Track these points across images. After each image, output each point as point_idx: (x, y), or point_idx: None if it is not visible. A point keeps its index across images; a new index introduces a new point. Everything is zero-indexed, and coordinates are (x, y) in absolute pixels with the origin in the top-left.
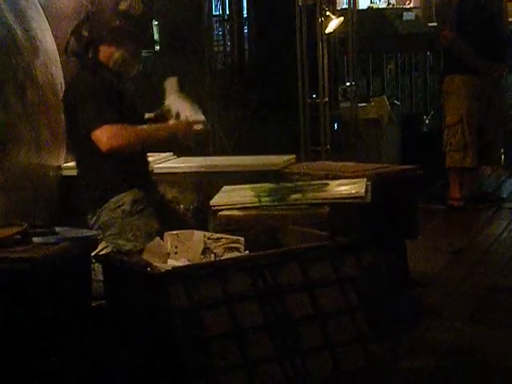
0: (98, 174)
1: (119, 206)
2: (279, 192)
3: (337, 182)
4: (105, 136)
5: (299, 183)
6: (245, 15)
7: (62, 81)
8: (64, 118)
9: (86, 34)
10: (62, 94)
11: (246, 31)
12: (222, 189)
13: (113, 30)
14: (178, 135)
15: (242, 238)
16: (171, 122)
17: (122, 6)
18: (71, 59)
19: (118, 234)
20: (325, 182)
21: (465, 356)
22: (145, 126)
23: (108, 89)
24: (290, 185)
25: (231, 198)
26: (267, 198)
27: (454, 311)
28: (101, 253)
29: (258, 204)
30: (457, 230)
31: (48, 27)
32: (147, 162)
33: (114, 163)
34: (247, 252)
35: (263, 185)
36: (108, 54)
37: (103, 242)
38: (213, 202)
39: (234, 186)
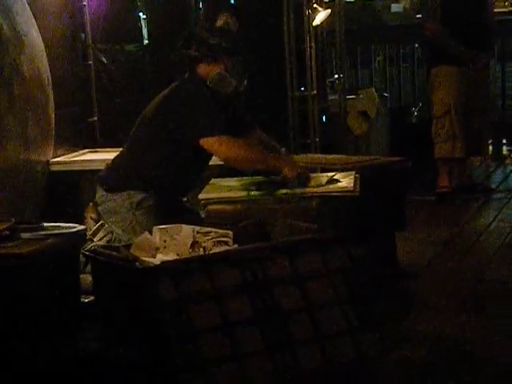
0: (147, 166)
1: (130, 198)
2: (267, 185)
3: (325, 174)
4: (223, 145)
5: None
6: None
7: (49, 75)
8: (152, 122)
9: (188, 51)
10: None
11: None
12: (211, 181)
13: (212, 47)
14: (282, 171)
15: (230, 232)
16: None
17: (219, 23)
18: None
19: (118, 223)
20: (314, 174)
21: (454, 346)
22: (259, 148)
23: (210, 101)
24: (278, 178)
25: (220, 191)
26: (256, 192)
27: (443, 302)
28: (102, 240)
29: (246, 198)
30: (446, 220)
31: (34, 22)
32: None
33: (173, 166)
34: (236, 245)
35: (251, 178)
36: (207, 71)
37: (104, 229)
38: (201, 195)
39: (222, 179)
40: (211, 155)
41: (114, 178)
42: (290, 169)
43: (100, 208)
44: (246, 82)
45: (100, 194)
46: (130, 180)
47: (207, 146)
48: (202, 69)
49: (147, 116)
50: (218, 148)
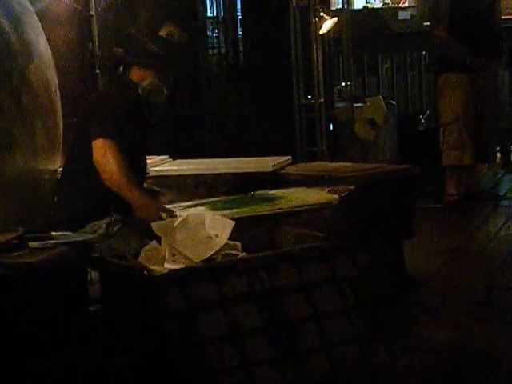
0: (82, 195)
1: (95, 231)
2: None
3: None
4: (103, 149)
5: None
6: (239, 16)
7: (57, 85)
8: (76, 125)
9: (119, 51)
10: (87, 103)
11: (240, 33)
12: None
13: (148, 53)
14: (137, 210)
15: (239, 244)
16: (146, 200)
17: (162, 32)
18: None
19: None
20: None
21: (462, 355)
22: (131, 179)
23: (129, 109)
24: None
25: None
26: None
27: (451, 310)
28: None
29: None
30: (454, 228)
31: (42, 32)
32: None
33: (99, 186)
34: (244, 254)
35: (220, 198)
36: (139, 76)
37: None
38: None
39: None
40: (144, 165)
41: (67, 218)
42: (144, 212)
43: None
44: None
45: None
46: (82, 214)
47: (94, 147)
48: (135, 72)
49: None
50: (99, 151)
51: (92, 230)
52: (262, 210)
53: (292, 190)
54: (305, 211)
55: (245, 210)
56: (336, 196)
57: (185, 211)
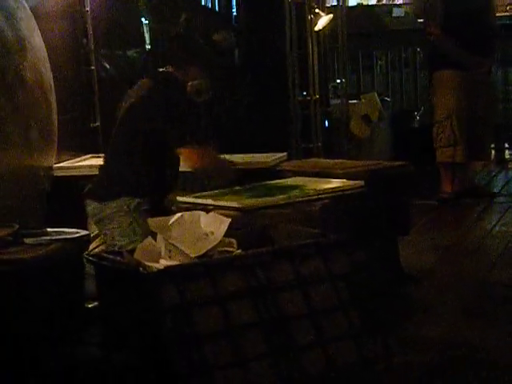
0: (136, 172)
1: (125, 203)
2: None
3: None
4: (195, 156)
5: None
6: (234, 13)
7: (52, 81)
8: (124, 117)
9: (179, 52)
10: (130, 100)
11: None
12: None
13: (203, 55)
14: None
15: (234, 241)
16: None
17: (216, 37)
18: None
19: (116, 229)
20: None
21: (457, 351)
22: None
23: (189, 110)
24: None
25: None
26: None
27: (446, 306)
28: (95, 250)
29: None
30: (448, 225)
31: (36, 27)
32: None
33: (154, 170)
34: (239, 250)
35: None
36: (181, 74)
37: (98, 239)
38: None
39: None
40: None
41: (104, 187)
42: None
43: (94, 219)
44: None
45: (92, 206)
46: (121, 187)
47: (184, 154)
48: (177, 72)
49: (124, 118)
50: (190, 156)
51: (122, 203)
52: (294, 195)
53: (298, 178)
54: (336, 196)
55: (280, 196)
56: (361, 182)
57: (213, 199)
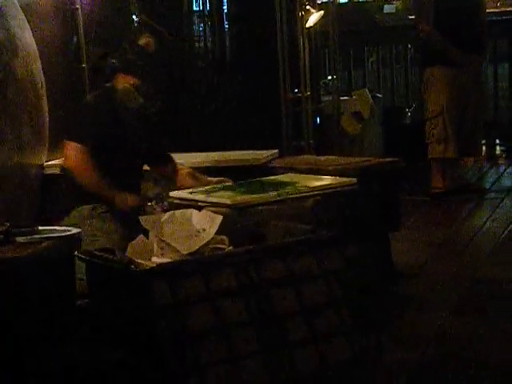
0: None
1: (79, 213)
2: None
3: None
4: (71, 152)
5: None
6: (225, 10)
7: (43, 78)
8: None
9: (114, 61)
10: None
11: (226, 26)
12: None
13: (128, 61)
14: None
15: (225, 238)
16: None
17: (141, 42)
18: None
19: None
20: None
21: (449, 347)
22: (99, 180)
23: (108, 114)
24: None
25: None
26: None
27: (438, 302)
28: None
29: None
30: (440, 221)
31: (27, 25)
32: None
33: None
34: (231, 247)
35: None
36: (120, 82)
37: None
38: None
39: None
40: (142, 161)
41: (63, 201)
42: (121, 201)
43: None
44: (157, 105)
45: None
46: (74, 198)
47: (64, 148)
48: (119, 79)
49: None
50: (66, 152)
51: (79, 211)
52: (286, 192)
53: (290, 175)
54: (328, 193)
55: (272, 193)
56: (353, 179)
57: (206, 195)
